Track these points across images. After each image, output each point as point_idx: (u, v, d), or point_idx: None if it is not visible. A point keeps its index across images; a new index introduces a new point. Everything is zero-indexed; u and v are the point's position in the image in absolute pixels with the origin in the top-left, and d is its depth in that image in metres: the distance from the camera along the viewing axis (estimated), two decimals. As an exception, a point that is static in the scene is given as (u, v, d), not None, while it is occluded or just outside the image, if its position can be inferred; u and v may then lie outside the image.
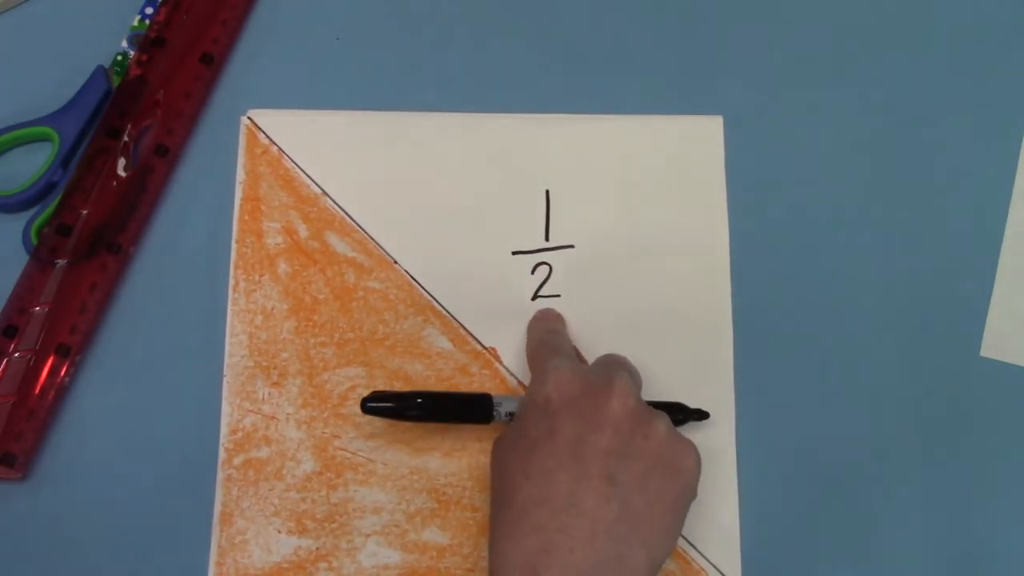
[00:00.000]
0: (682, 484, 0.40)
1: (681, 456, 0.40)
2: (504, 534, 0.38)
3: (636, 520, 0.38)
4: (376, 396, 0.42)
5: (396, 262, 0.47)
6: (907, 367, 0.47)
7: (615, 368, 0.42)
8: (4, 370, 0.44)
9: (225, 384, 0.45)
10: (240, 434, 0.45)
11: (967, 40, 0.51)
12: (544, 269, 0.48)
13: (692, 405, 0.45)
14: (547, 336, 0.45)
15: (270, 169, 0.48)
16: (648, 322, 0.47)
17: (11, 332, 0.44)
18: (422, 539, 0.44)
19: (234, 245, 0.47)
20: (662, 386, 0.46)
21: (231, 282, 0.46)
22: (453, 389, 0.46)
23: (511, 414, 0.43)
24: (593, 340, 0.47)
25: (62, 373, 0.44)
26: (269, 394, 0.45)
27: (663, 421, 0.40)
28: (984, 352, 0.48)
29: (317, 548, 0.44)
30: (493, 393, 0.43)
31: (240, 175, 0.48)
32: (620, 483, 0.38)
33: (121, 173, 0.47)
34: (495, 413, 0.43)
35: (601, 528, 0.37)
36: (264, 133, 0.48)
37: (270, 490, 0.44)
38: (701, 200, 0.49)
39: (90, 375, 0.45)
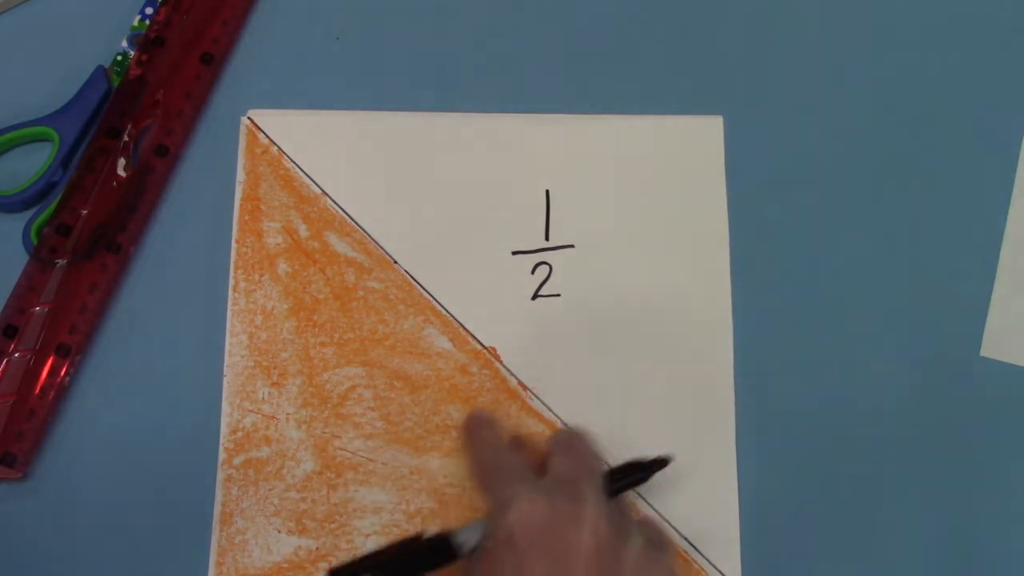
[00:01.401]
0: None
1: None
2: None
3: None
4: (334, 572, 0.39)
5: (396, 262, 0.47)
6: (907, 367, 0.47)
7: (580, 480, 0.39)
8: (4, 370, 0.44)
9: (225, 384, 0.45)
10: (240, 434, 0.45)
11: (967, 40, 0.51)
12: (544, 269, 0.48)
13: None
14: (492, 457, 0.42)
15: (270, 169, 0.48)
16: (648, 322, 0.47)
17: (11, 332, 0.44)
18: (422, 539, 0.44)
19: (234, 245, 0.47)
20: (662, 387, 0.46)
21: (231, 282, 0.46)
22: (454, 391, 0.46)
23: (474, 549, 0.39)
24: (593, 340, 0.47)
25: (62, 373, 0.44)
26: (269, 394, 0.45)
27: (636, 544, 0.38)
28: (984, 352, 0.48)
29: (317, 548, 0.44)
30: (451, 530, 0.40)
31: (240, 175, 0.48)
32: None
33: (121, 173, 0.47)
34: (459, 552, 0.39)
35: None
36: (264, 133, 0.48)
37: (270, 490, 0.44)
38: (701, 200, 0.49)
39: (90, 375, 0.45)
